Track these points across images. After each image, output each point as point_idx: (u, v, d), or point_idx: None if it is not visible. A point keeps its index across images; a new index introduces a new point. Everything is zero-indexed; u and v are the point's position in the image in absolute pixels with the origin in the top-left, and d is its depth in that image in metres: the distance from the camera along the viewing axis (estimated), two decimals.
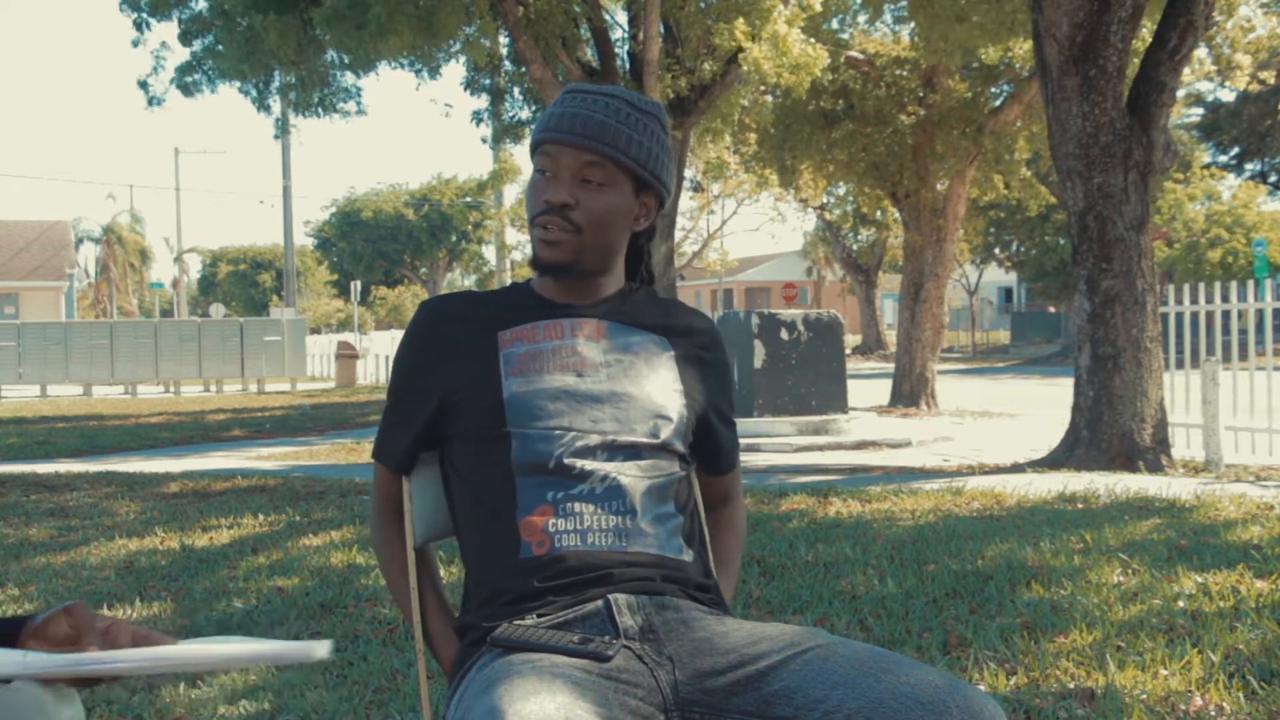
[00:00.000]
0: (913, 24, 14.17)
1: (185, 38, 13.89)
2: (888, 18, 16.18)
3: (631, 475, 1.74)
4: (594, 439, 1.74)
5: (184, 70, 14.22)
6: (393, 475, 1.92)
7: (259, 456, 11.13)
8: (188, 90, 14.30)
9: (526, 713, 1.36)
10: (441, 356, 1.84)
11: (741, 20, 11.76)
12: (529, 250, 1.89)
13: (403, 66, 14.97)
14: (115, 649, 1.42)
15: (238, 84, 14.46)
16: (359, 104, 15.10)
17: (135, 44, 14.53)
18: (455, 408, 1.81)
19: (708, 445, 1.93)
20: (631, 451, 1.75)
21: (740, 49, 11.84)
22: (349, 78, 14.88)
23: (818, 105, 16.54)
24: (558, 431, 1.73)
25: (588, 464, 1.72)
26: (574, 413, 1.75)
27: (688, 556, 1.78)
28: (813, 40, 12.71)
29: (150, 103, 14.71)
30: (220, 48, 13.24)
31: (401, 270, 62.47)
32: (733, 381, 2.04)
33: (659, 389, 1.82)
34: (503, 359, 1.80)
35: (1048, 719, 2.92)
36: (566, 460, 1.71)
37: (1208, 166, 37.04)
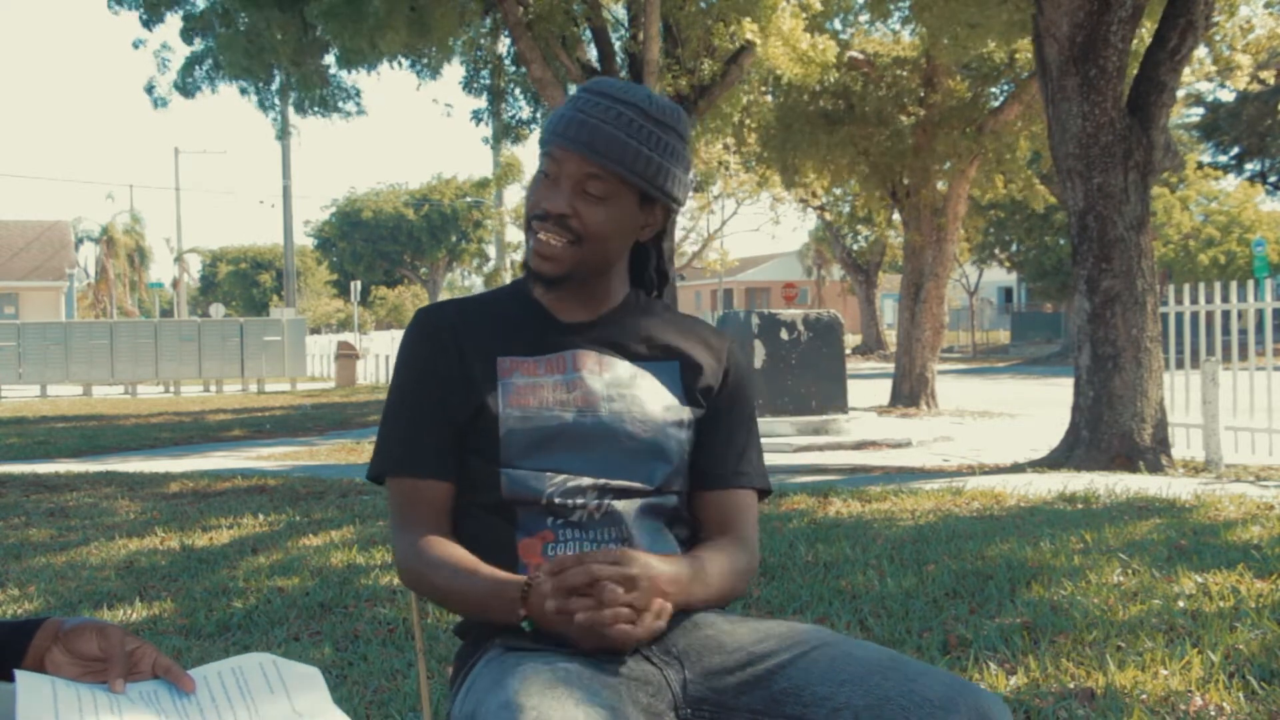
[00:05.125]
0: (917, 25, 14.16)
1: (187, 35, 13.89)
2: (891, 18, 16.17)
3: (626, 500, 1.73)
4: (586, 480, 1.71)
5: (185, 70, 14.23)
6: (429, 484, 1.75)
7: (259, 456, 11.13)
8: (188, 91, 14.31)
9: (545, 708, 1.36)
10: (443, 376, 1.77)
11: (749, 19, 11.78)
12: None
13: (402, 66, 14.98)
14: (137, 674, 1.44)
15: (239, 84, 14.47)
16: (358, 104, 15.10)
17: (137, 45, 14.56)
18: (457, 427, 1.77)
19: (696, 457, 1.82)
20: (623, 493, 1.72)
21: (744, 46, 11.86)
22: (348, 77, 14.88)
23: (818, 105, 16.55)
24: (549, 472, 1.70)
25: (579, 500, 1.70)
26: (568, 453, 1.72)
27: None
28: (817, 36, 12.73)
29: (156, 104, 14.73)
30: (221, 46, 13.23)
31: (401, 270, 62.48)
32: (750, 400, 1.91)
33: (660, 427, 1.76)
34: (501, 389, 1.75)
35: (1048, 719, 2.92)
36: (558, 500, 1.70)
37: (1202, 167, 37.02)
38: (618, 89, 1.75)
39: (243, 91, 14.73)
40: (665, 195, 1.78)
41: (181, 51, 14.41)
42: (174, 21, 14.05)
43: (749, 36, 11.70)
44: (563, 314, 1.82)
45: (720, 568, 1.72)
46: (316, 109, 14.58)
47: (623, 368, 1.79)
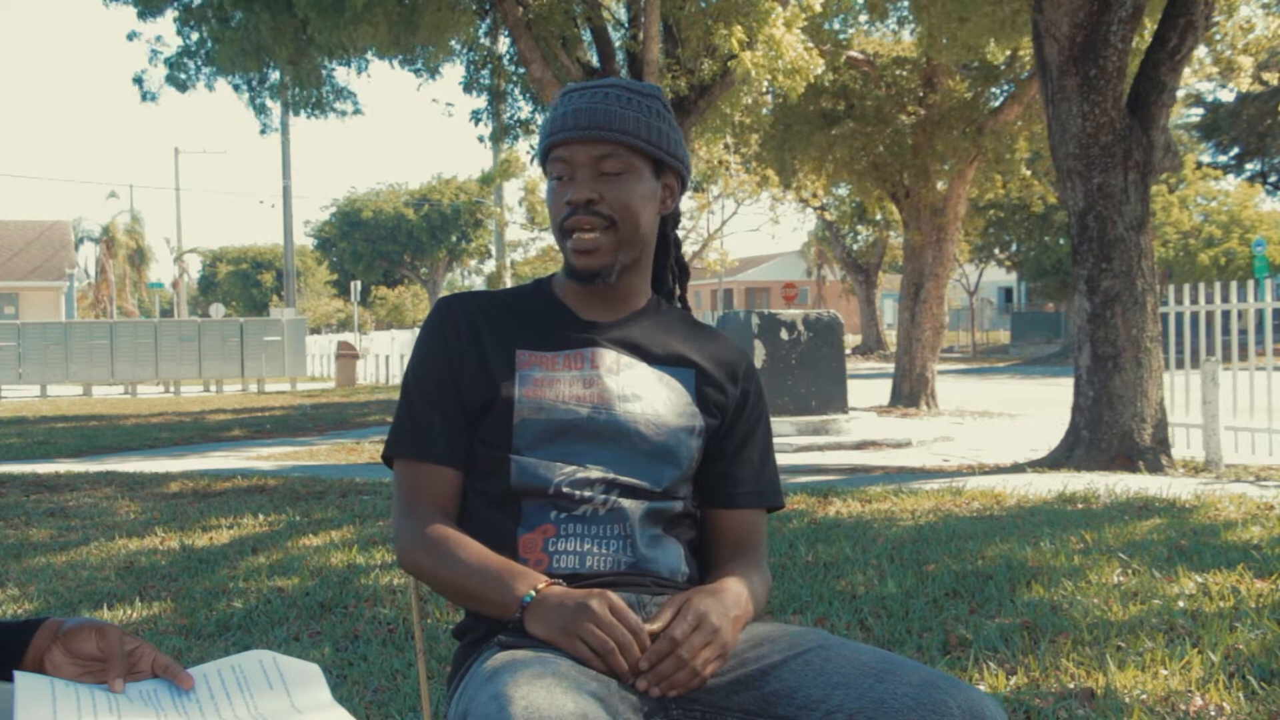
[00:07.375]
0: (916, 25, 14.15)
1: (183, 29, 13.83)
2: (890, 18, 16.16)
3: (632, 499, 1.73)
4: (595, 473, 1.71)
5: (177, 64, 14.11)
6: (437, 469, 1.76)
7: (259, 456, 11.12)
8: (181, 85, 14.21)
9: (534, 698, 1.36)
10: (460, 363, 1.78)
11: (738, 27, 11.77)
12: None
13: (401, 65, 14.95)
14: (137, 674, 1.44)
15: (231, 81, 14.38)
16: (355, 104, 15.04)
17: (130, 37, 14.47)
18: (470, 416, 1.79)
19: (713, 474, 1.83)
20: (630, 491, 1.73)
21: (733, 55, 11.86)
22: (343, 76, 14.83)
23: (818, 105, 16.55)
24: (559, 463, 1.71)
25: (586, 492, 1.71)
26: (580, 448, 1.72)
27: (686, 575, 1.78)
28: (809, 43, 12.70)
29: (145, 97, 14.63)
30: (215, 42, 13.18)
31: (401, 270, 62.45)
32: (767, 417, 1.92)
33: (673, 432, 1.76)
34: (518, 380, 1.75)
35: (1048, 719, 2.92)
36: (565, 489, 1.70)
37: (1202, 167, 37.00)
38: (593, 81, 1.81)
39: (236, 89, 14.66)
40: (674, 158, 1.81)
41: (177, 45, 14.31)
42: (172, 16, 13.93)
43: (734, 47, 11.69)
44: (584, 313, 1.83)
45: (758, 601, 1.74)
46: (311, 110, 14.52)
47: (640, 370, 1.80)
